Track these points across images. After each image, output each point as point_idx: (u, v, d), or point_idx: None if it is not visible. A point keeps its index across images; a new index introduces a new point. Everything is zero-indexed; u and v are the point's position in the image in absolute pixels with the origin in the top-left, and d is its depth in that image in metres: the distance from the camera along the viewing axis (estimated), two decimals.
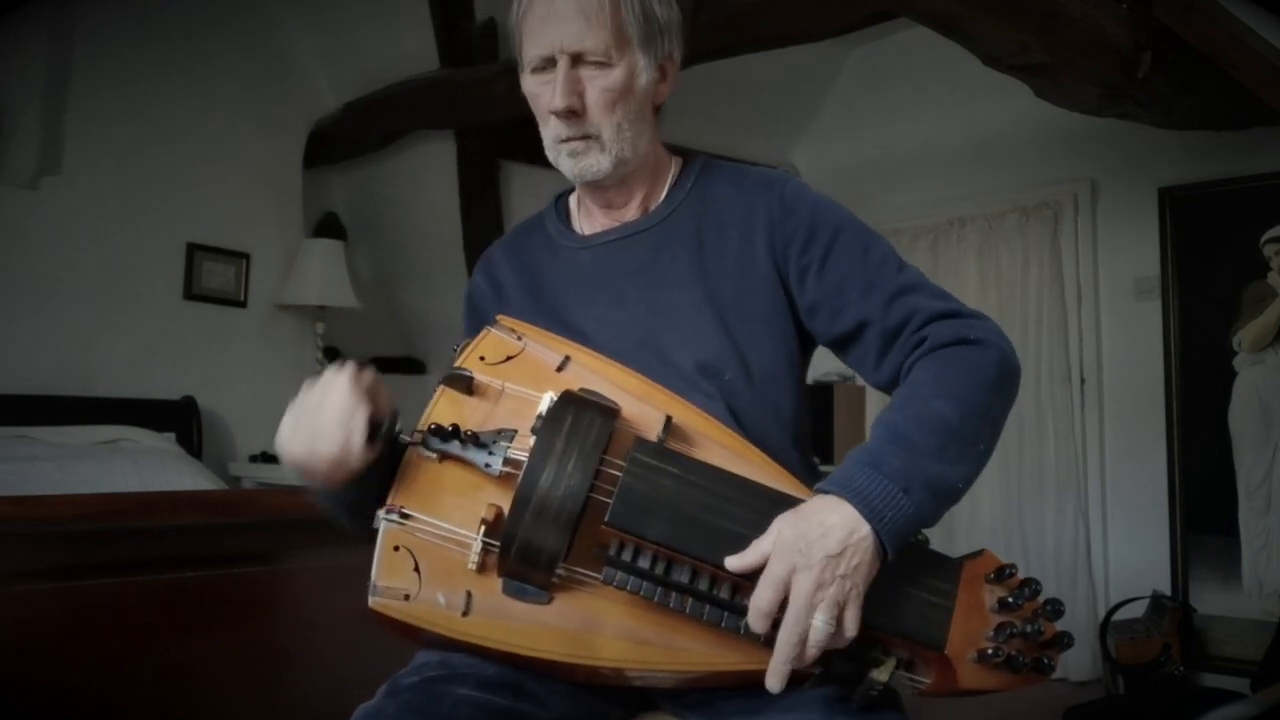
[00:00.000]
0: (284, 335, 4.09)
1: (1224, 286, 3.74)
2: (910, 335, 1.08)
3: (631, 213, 1.21)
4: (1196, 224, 3.82)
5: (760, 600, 0.91)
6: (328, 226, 4.39)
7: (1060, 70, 2.69)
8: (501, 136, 4.03)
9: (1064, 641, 0.98)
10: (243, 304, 3.97)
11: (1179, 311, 3.85)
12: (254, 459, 3.85)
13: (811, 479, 1.09)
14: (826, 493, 0.95)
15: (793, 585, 0.91)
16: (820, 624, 0.91)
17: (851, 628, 0.92)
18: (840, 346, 1.15)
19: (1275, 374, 3.63)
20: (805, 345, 1.19)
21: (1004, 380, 1.05)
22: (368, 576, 0.96)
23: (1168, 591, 3.76)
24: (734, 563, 0.93)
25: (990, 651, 0.96)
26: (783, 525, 0.93)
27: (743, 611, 0.94)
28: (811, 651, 0.91)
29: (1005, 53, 2.66)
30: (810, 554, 0.91)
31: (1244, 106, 2.85)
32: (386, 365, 4.52)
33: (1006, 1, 2.52)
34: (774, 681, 0.92)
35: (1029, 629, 0.97)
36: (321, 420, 0.97)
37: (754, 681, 0.98)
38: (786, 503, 0.98)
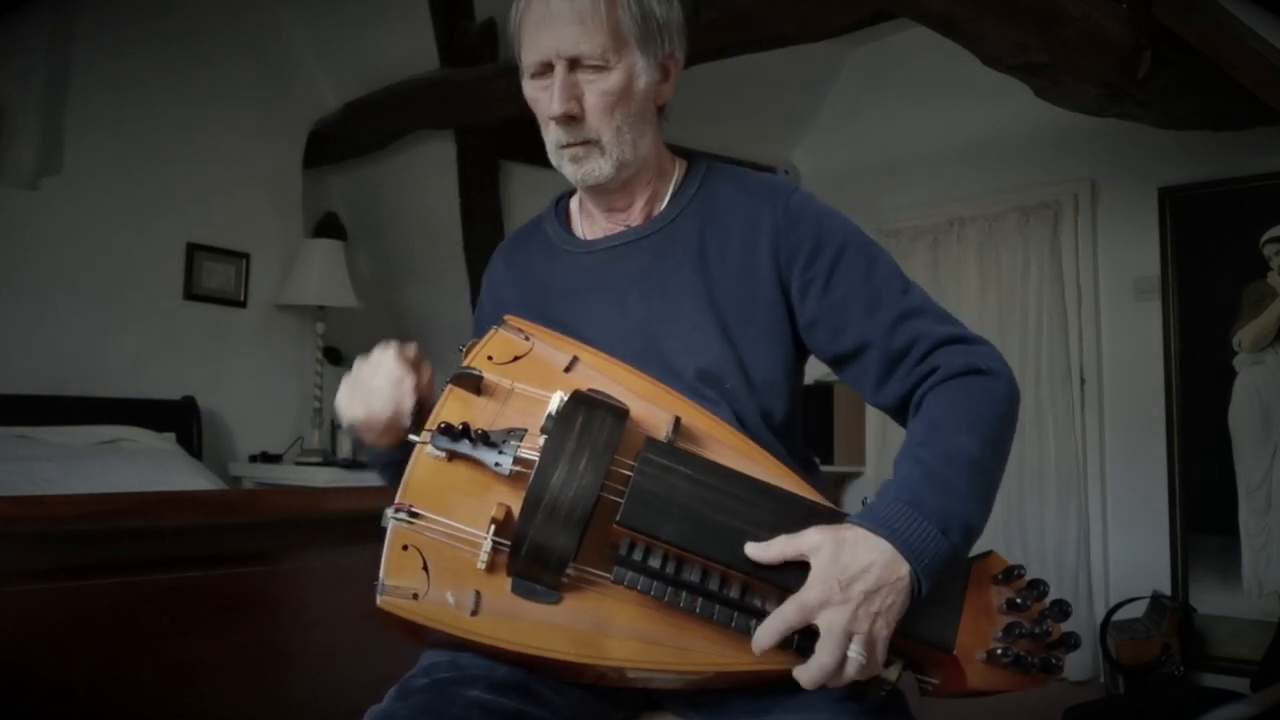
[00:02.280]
0: (284, 335, 4.08)
1: (1224, 286, 3.75)
2: (917, 361, 1.09)
3: (635, 216, 1.20)
4: (1196, 224, 3.83)
5: (782, 619, 0.91)
6: (328, 226, 4.39)
7: (1060, 70, 2.69)
8: (501, 136, 4.02)
9: (1071, 642, 0.99)
10: (243, 304, 3.97)
11: (1179, 311, 3.85)
12: (254, 459, 3.85)
13: (811, 479, 1.09)
14: (864, 527, 0.95)
15: (824, 616, 0.91)
16: (855, 656, 0.91)
17: (875, 661, 0.92)
18: (838, 364, 1.15)
19: (1275, 374, 3.63)
20: (800, 353, 1.19)
21: (1014, 411, 1.08)
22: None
23: (1168, 591, 3.76)
24: (754, 550, 0.93)
25: (999, 652, 0.97)
26: (820, 546, 0.93)
27: (753, 611, 0.93)
28: (842, 682, 0.92)
29: (1005, 53, 2.66)
30: (850, 589, 0.91)
31: (1244, 106, 2.85)
32: None
33: (1006, 1, 2.53)
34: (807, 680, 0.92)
35: (1037, 630, 0.97)
36: (375, 385, 1.08)
37: (763, 682, 0.98)
38: (797, 504, 0.98)
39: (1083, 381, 4.07)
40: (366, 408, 1.08)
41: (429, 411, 1.03)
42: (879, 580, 0.92)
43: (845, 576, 0.91)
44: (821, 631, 0.91)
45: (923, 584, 0.94)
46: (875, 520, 0.95)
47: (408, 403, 1.06)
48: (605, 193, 1.18)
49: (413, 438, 1.00)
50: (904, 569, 0.93)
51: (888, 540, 0.93)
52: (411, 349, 1.10)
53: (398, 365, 1.08)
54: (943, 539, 0.95)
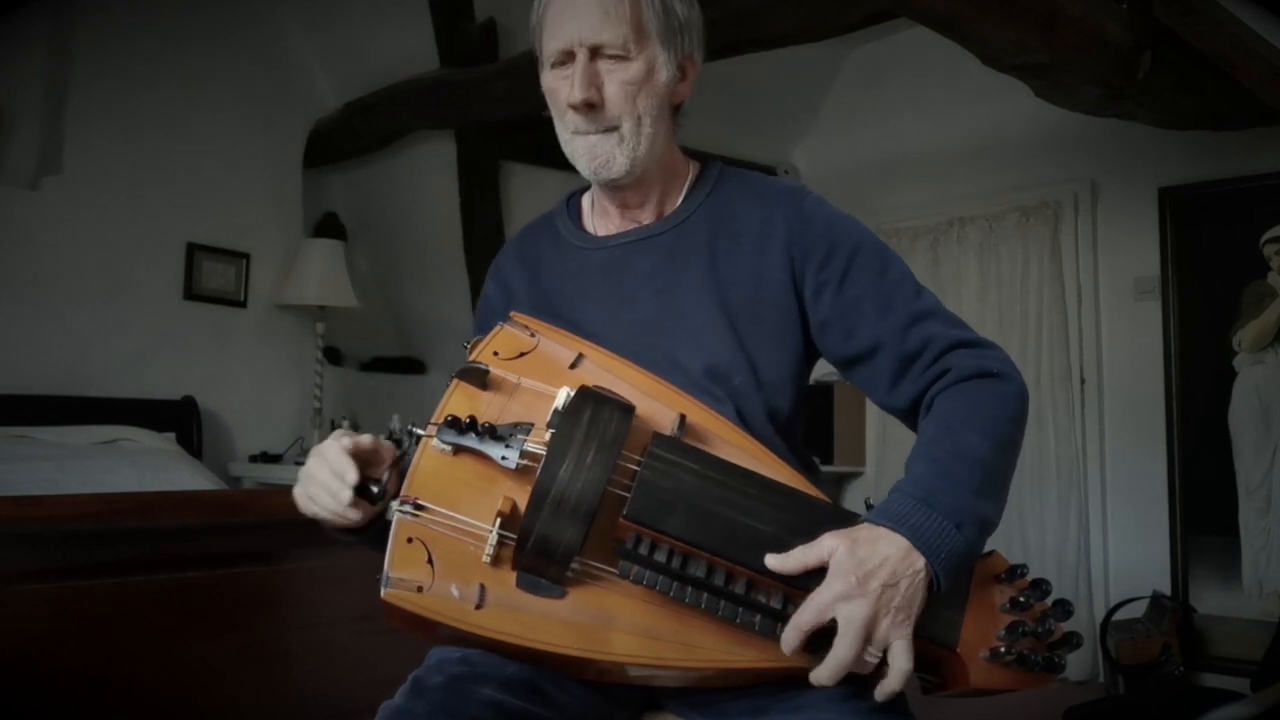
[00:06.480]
0: (284, 335, 4.08)
1: (1224, 286, 3.75)
2: (929, 363, 1.09)
3: (647, 214, 1.21)
4: (1196, 224, 3.83)
5: (803, 620, 0.91)
6: (328, 226, 4.39)
7: (1060, 70, 2.69)
8: (501, 136, 4.02)
9: (1074, 641, 0.99)
10: (243, 304, 3.97)
11: (1179, 311, 3.85)
12: (254, 459, 3.84)
13: (811, 477, 1.09)
14: (878, 524, 0.96)
15: (842, 612, 0.91)
16: (869, 659, 0.91)
17: (904, 661, 0.92)
18: (849, 365, 1.16)
19: (1275, 374, 3.63)
20: (809, 355, 1.19)
21: (1024, 413, 1.09)
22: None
23: (1168, 591, 3.76)
24: (775, 562, 0.93)
25: (1002, 650, 0.97)
26: (836, 547, 0.93)
27: (758, 607, 0.93)
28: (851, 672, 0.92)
29: (1005, 53, 2.66)
30: (867, 583, 0.91)
31: (1244, 106, 2.85)
32: (386, 365, 4.52)
33: (1006, 1, 2.53)
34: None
35: (1040, 628, 0.97)
36: (320, 479, 1.05)
37: (764, 679, 0.98)
38: (803, 500, 0.98)
39: (1083, 381, 4.08)
40: (311, 506, 1.07)
41: (377, 496, 1.03)
42: (896, 573, 0.92)
43: (862, 571, 0.91)
44: (840, 625, 0.91)
45: (940, 579, 0.94)
46: (888, 517, 0.96)
47: (345, 495, 1.02)
48: (619, 189, 1.19)
49: (417, 430, 1.00)
50: (920, 562, 0.93)
51: (902, 534, 0.94)
52: (366, 440, 1.05)
53: (339, 459, 1.03)
54: (957, 534, 0.95)
